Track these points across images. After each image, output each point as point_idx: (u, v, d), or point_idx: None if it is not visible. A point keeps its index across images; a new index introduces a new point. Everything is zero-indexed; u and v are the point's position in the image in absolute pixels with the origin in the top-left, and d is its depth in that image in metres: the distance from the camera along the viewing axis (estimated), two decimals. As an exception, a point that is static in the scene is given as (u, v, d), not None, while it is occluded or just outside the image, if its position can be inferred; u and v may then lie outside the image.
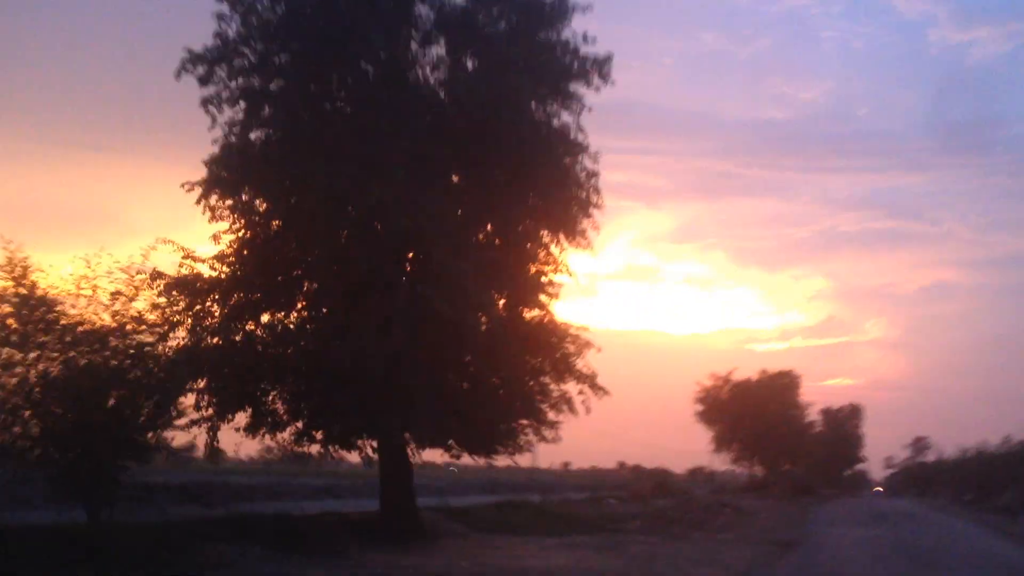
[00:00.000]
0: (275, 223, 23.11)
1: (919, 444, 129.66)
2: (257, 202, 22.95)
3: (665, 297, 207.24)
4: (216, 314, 22.79)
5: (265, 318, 23.53)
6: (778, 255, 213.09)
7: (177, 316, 22.03)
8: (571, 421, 25.30)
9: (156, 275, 21.50)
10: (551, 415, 25.14)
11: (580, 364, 25.10)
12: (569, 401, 25.19)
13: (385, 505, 25.25)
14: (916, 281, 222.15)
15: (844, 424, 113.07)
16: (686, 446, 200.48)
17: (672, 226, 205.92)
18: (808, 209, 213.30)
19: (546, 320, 24.96)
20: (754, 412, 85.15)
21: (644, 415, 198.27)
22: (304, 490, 39.01)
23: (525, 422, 25.14)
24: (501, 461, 27.32)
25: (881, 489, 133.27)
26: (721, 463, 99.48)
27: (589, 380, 25.18)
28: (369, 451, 25.16)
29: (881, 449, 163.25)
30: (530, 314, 24.83)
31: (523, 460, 29.01)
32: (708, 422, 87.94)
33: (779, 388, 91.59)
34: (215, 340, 22.21)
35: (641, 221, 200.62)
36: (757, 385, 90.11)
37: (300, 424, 24.21)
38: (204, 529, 19.95)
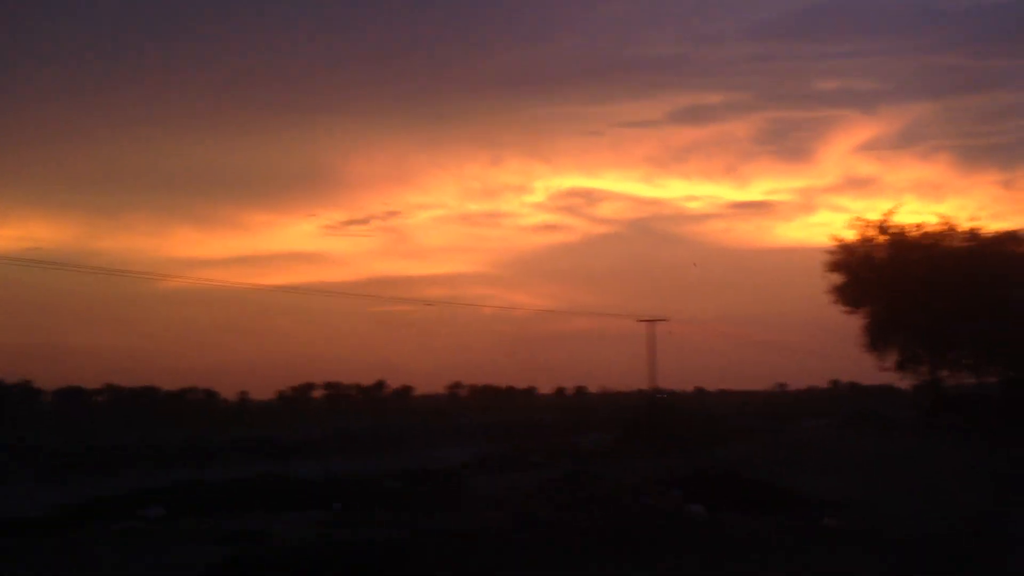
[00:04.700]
0: None
1: None
2: None
3: (890, 207, 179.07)
4: None
5: None
6: (1016, 150, 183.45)
7: None
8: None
9: None
10: None
11: None
12: None
13: None
14: None
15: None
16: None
17: (893, 130, 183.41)
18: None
19: None
20: (944, 286, 50.22)
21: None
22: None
23: None
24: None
25: None
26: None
27: None
28: None
29: None
30: None
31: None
32: (852, 302, 53.13)
33: (996, 257, 54.63)
34: None
35: (858, 128, 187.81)
36: (950, 247, 54.05)
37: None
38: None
